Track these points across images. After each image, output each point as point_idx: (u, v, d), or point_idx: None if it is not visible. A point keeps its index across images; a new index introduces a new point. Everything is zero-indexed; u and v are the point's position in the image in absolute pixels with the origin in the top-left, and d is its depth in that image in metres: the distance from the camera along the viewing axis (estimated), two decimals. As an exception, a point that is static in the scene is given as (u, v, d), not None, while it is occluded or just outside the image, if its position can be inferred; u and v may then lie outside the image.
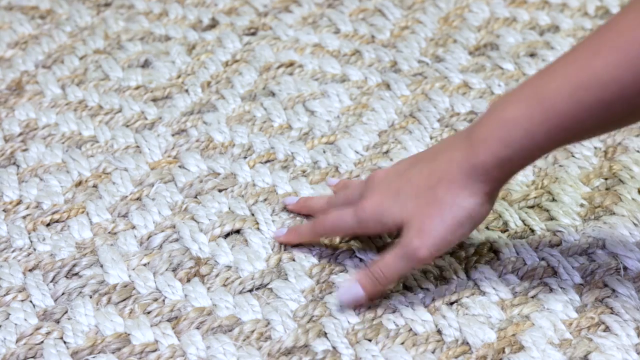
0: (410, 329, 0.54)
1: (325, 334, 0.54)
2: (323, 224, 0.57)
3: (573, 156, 0.66)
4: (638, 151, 0.65)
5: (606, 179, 0.63)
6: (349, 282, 0.54)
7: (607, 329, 0.53)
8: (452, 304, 0.55)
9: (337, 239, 0.59)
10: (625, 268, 0.57)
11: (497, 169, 0.49)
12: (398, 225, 0.52)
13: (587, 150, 0.66)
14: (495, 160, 0.49)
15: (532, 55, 0.75)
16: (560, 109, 0.46)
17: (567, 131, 0.47)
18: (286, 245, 0.59)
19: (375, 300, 0.54)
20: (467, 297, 0.55)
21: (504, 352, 0.52)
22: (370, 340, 0.53)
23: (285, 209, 0.62)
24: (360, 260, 0.58)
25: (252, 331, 0.54)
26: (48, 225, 0.62)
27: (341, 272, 0.58)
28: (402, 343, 0.53)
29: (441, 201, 0.50)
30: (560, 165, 0.65)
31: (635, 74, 0.44)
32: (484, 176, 0.49)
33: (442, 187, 0.50)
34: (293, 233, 0.59)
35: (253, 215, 0.62)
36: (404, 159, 0.57)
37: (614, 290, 0.55)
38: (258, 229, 0.61)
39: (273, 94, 0.72)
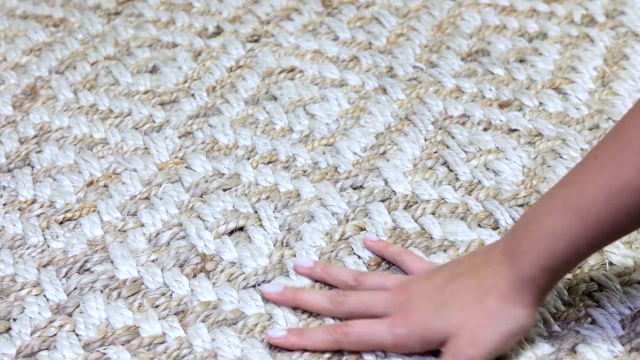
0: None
1: (325, 326, 0.53)
2: (347, 334, 0.51)
3: (561, 157, 0.66)
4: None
5: (592, 178, 0.63)
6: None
7: (593, 321, 0.53)
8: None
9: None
10: (610, 263, 0.57)
11: (544, 280, 0.49)
12: (442, 340, 0.49)
13: (573, 152, 0.66)
14: (542, 272, 0.48)
15: (521, 61, 0.75)
16: (598, 218, 0.47)
17: (606, 235, 0.48)
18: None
19: None
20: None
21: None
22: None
23: (296, 270, 0.56)
24: (359, 257, 0.58)
25: (256, 324, 0.54)
26: (61, 223, 0.62)
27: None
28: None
29: (493, 313, 0.49)
30: (549, 166, 0.65)
31: None
32: (531, 288, 0.49)
33: (492, 300, 0.49)
34: (301, 338, 0.52)
35: (256, 212, 0.62)
36: (435, 270, 0.53)
37: (599, 285, 0.55)
38: (261, 225, 0.61)
39: (275, 98, 0.72)
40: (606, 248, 0.57)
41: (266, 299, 0.55)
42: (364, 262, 0.58)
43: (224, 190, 0.64)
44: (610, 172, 0.46)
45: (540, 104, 0.70)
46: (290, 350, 0.51)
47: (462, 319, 0.49)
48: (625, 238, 0.58)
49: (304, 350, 0.51)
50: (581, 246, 0.48)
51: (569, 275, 0.56)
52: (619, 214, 0.46)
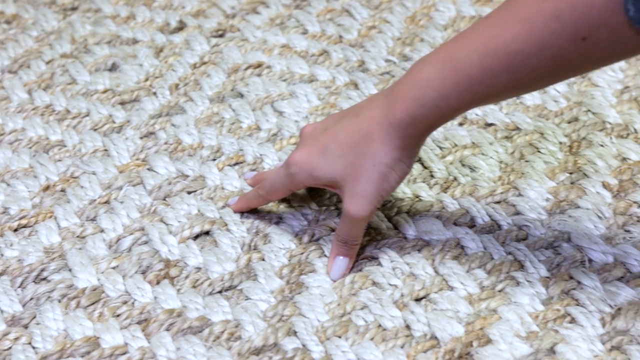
0: (380, 325, 0.54)
1: (295, 332, 0.54)
2: (263, 185, 0.60)
3: (539, 151, 0.66)
4: (602, 145, 0.66)
5: (571, 173, 0.64)
6: (333, 261, 0.57)
7: (573, 320, 0.54)
8: (420, 299, 0.55)
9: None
10: (590, 260, 0.57)
11: (413, 126, 0.52)
12: (330, 182, 0.56)
13: (552, 146, 0.67)
14: (411, 118, 0.51)
15: (497, 52, 0.76)
16: (470, 74, 0.49)
17: (476, 94, 0.50)
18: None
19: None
20: (436, 292, 0.56)
21: (471, 345, 0.52)
22: (340, 337, 0.53)
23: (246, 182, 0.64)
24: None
25: (222, 332, 0.54)
26: (15, 230, 0.62)
27: (311, 272, 0.58)
28: (372, 339, 0.53)
29: (365, 159, 0.53)
30: (526, 161, 0.66)
31: (539, 45, 0.46)
32: (400, 132, 0.52)
33: (364, 145, 0.53)
34: (242, 200, 0.62)
35: (222, 218, 0.62)
36: (333, 114, 0.61)
37: (579, 282, 0.56)
38: (227, 229, 0.61)
39: (241, 95, 0.72)
40: (585, 245, 0.58)
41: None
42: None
43: (189, 193, 0.64)
44: (491, 32, 0.48)
45: (518, 97, 0.71)
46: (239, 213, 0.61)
47: (343, 167, 0.54)
48: (605, 234, 0.59)
49: (247, 210, 0.61)
50: (451, 99, 0.50)
51: (547, 274, 0.57)
52: (490, 74, 0.48)
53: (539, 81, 0.49)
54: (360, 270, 0.58)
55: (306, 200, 0.63)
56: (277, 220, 0.61)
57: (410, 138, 0.53)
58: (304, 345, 0.53)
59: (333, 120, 0.57)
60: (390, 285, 0.56)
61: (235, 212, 0.62)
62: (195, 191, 0.64)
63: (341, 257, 0.57)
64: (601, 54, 0.45)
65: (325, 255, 0.59)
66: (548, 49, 0.46)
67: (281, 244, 0.60)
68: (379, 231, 0.60)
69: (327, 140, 0.55)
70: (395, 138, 0.52)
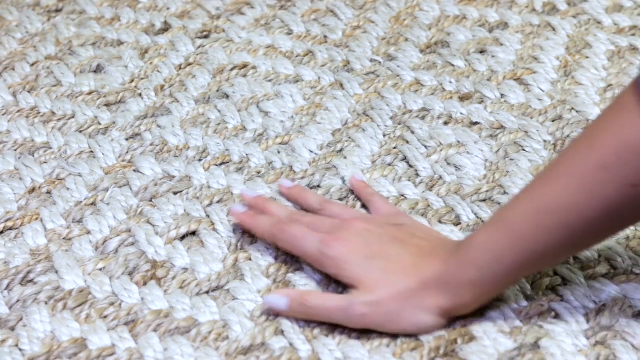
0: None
1: (282, 331, 0.54)
2: (285, 231, 0.56)
3: (524, 150, 0.67)
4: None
5: (555, 171, 0.65)
6: (283, 293, 0.54)
7: (557, 316, 0.55)
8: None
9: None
10: (575, 257, 0.58)
11: (468, 291, 0.51)
12: (352, 283, 0.53)
13: (536, 144, 0.68)
14: (467, 282, 0.51)
15: (482, 52, 0.77)
16: (524, 232, 0.49)
17: (532, 254, 0.50)
18: (243, 231, 0.59)
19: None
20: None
21: (456, 342, 0.53)
22: (326, 336, 0.54)
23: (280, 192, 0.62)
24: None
25: (210, 332, 0.55)
26: (1, 233, 0.62)
27: (297, 270, 0.58)
28: (358, 338, 0.54)
29: (404, 296, 0.51)
30: (511, 159, 0.67)
31: (589, 196, 0.47)
32: (452, 295, 0.51)
33: (413, 284, 0.51)
34: (251, 219, 0.59)
35: (208, 216, 0.62)
36: (391, 221, 0.57)
37: (563, 279, 0.57)
38: (214, 229, 0.61)
39: (227, 96, 0.73)
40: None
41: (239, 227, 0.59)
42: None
43: (175, 193, 0.64)
44: (542, 189, 0.49)
45: (502, 95, 0.72)
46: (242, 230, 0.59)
47: (381, 278, 0.52)
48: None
49: (250, 232, 0.59)
50: (507, 261, 0.50)
51: (532, 271, 0.58)
52: (545, 232, 0.48)
53: (595, 235, 0.49)
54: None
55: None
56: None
57: (460, 304, 0.51)
58: (291, 345, 0.54)
59: (390, 235, 0.54)
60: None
61: (236, 221, 0.59)
62: (181, 191, 0.64)
63: (286, 304, 0.53)
64: None
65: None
66: (599, 199, 0.46)
67: (268, 243, 0.60)
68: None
69: (377, 253, 0.53)
70: (442, 298, 0.51)
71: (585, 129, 0.49)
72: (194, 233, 0.61)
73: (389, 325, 0.52)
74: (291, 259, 0.59)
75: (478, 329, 0.54)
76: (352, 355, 0.53)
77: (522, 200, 0.50)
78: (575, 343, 0.53)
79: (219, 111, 0.71)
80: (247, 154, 0.67)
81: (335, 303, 0.53)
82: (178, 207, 0.63)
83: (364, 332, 0.54)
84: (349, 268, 0.53)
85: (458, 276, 0.51)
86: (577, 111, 0.70)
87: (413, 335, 0.53)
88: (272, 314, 0.55)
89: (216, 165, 0.67)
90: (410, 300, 0.52)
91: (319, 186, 0.65)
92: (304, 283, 0.57)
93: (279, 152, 0.67)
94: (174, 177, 0.66)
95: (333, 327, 0.54)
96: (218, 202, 0.63)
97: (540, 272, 0.57)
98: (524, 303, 0.55)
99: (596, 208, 0.47)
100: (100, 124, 0.70)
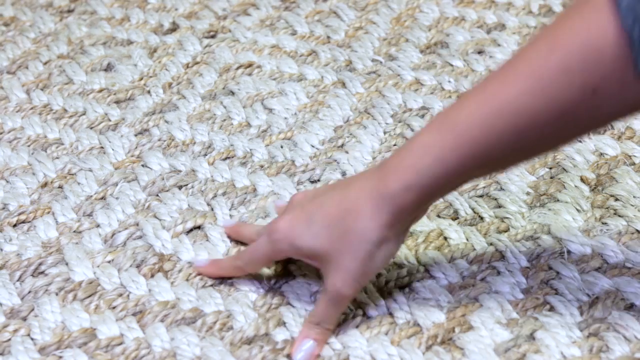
0: (364, 313, 0.54)
1: (284, 323, 0.54)
2: (242, 256, 0.54)
3: (519, 147, 0.67)
4: (580, 141, 0.67)
5: (550, 168, 0.64)
6: (300, 343, 0.51)
7: (552, 308, 0.54)
8: (403, 288, 0.55)
9: (272, 268, 0.56)
10: (569, 252, 0.58)
11: (406, 198, 0.46)
12: (313, 255, 0.50)
13: (532, 141, 0.67)
14: (404, 188, 0.46)
15: (480, 52, 0.76)
16: (472, 136, 0.44)
17: (478, 159, 0.44)
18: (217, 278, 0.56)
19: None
20: (418, 281, 0.56)
21: (453, 331, 0.52)
22: (327, 327, 0.53)
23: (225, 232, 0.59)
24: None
25: (215, 322, 0.54)
26: (15, 225, 0.61)
27: (298, 260, 0.57)
28: (357, 327, 0.53)
29: (350, 234, 0.48)
30: (508, 156, 0.66)
31: (547, 101, 0.42)
32: (391, 206, 0.46)
33: (350, 218, 0.48)
34: (214, 266, 0.56)
35: (212, 210, 0.62)
36: (325, 184, 0.55)
37: (558, 273, 0.56)
38: (217, 223, 0.61)
39: (232, 93, 0.72)
40: (564, 236, 0.59)
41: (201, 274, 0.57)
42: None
43: (180, 187, 0.64)
44: (494, 90, 0.43)
45: (499, 94, 0.71)
46: (211, 278, 0.56)
47: (328, 239, 0.48)
48: (583, 226, 0.60)
49: (221, 278, 0.56)
50: (451, 164, 0.44)
51: (527, 264, 0.57)
52: (493, 135, 0.43)
53: (546, 142, 0.44)
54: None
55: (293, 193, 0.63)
56: (265, 215, 0.61)
57: (402, 213, 0.46)
58: (292, 338, 0.53)
59: (323, 189, 0.51)
60: (376, 275, 0.57)
61: (202, 274, 0.56)
62: (186, 185, 0.64)
63: (310, 341, 0.50)
64: (611, 108, 0.42)
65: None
66: (556, 103, 0.41)
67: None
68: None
69: (313, 210, 0.49)
70: (385, 213, 0.46)
71: (546, 28, 0.43)
72: (199, 227, 0.61)
73: (364, 271, 0.49)
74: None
75: (476, 319, 0.53)
76: (351, 344, 0.52)
77: (472, 101, 0.44)
78: (569, 335, 0.52)
79: (225, 107, 0.71)
80: (250, 149, 0.67)
81: (328, 309, 0.51)
82: (183, 202, 0.63)
83: (362, 322, 0.53)
84: (299, 241, 0.49)
85: (389, 185, 0.46)
86: (572, 110, 0.70)
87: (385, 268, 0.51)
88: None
89: (221, 159, 0.66)
90: (356, 239, 0.47)
91: (318, 180, 0.64)
92: (302, 273, 0.57)
93: (281, 147, 0.67)
94: (180, 171, 0.65)
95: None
96: (222, 194, 0.63)
97: (535, 267, 0.56)
98: (520, 295, 0.55)
99: (552, 113, 0.42)
100: (110, 120, 0.70)
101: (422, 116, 0.69)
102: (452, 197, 0.62)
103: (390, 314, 0.54)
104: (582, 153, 0.65)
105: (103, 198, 0.63)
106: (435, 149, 0.45)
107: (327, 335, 0.52)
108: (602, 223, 0.60)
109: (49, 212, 0.62)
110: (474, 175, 0.47)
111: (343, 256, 0.48)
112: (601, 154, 0.65)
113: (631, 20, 0.39)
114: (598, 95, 0.41)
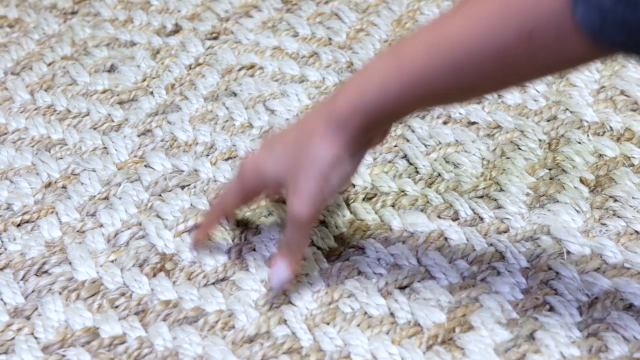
0: (365, 312, 0.54)
1: (285, 320, 0.54)
2: (214, 203, 0.56)
3: (519, 148, 0.67)
4: (579, 143, 0.67)
5: (550, 169, 0.65)
6: (276, 267, 0.53)
7: (551, 308, 0.54)
8: (404, 288, 0.56)
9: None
10: (568, 252, 0.58)
11: (354, 119, 0.48)
12: (276, 181, 0.51)
13: (532, 143, 0.67)
14: (351, 109, 0.47)
15: (480, 54, 0.76)
16: (414, 63, 0.45)
17: (419, 88, 0.46)
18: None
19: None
20: (418, 282, 0.56)
21: (454, 331, 0.52)
22: (327, 324, 0.53)
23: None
24: (318, 248, 0.59)
25: (217, 321, 0.54)
26: (18, 225, 0.62)
27: (299, 259, 0.58)
28: (358, 325, 0.53)
29: (306, 155, 0.49)
30: (507, 157, 0.66)
31: (483, 38, 0.42)
32: (342, 127, 0.48)
33: (305, 140, 0.49)
34: (201, 227, 0.57)
35: (216, 210, 0.62)
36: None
37: (557, 273, 0.56)
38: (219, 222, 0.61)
39: (235, 95, 0.72)
40: (564, 237, 0.59)
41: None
42: (323, 254, 0.58)
43: (183, 187, 0.64)
44: (438, 26, 0.45)
45: (499, 96, 0.71)
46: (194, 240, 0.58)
47: (287, 163, 0.50)
48: (583, 227, 0.60)
49: (207, 234, 0.57)
50: (392, 89, 0.46)
51: (527, 265, 0.57)
52: (434, 65, 0.44)
53: (486, 81, 0.45)
54: (347, 259, 0.58)
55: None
56: (267, 213, 0.62)
57: (352, 134, 0.48)
58: (293, 333, 0.53)
59: (288, 124, 0.54)
60: (375, 274, 0.57)
61: (196, 243, 0.57)
62: (189, 185, 0.64)
63: (279, 260, 0.52)
64: (548, 57, 0.42)
65: (314, 244, 0.59)
66: (492, 42, 0.42)
67: (271, 234, 0.60)
68: (365, 222, 0.60)
69: (275, 139, 0.52)
70: (336, 133, 0.48)
71: None
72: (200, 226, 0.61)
73: (320, 192, 0.49)
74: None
75: (476, 319, 0.53)
76: (352, 342, 0.52)
77: (419, 33, 0.46)
78: (569, 335, 0.52)
79: (227, 108, 0.71)
80: (252, 150, 0.67)
81: (293, 234, 0.52)
82: (185, 202, 0.63)
83: (364, 320, 0.53)
84: (263, 169, 0.51)
85: (338, 105, 0.48)
86: (571, 112, 0.70)
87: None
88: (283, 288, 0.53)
89: (223, 160, 0.66)
90: (310, 159, 0.49)
91: (322, 182, 0.64)
92: (305, 272, 0.57)
93: (284, 149, 0.67)
94: (182, 171, 0.65)
95: (334, 316, 0.54)
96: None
97: (535, 268, 0.56)
98: (520, 296, 0.55)
99: (488, 52, 0.42)
100: (113, 121, 0.70)
101: (423, 117, 0.70)
102: (453, 198, 0.62)
103: (391, 314, 0.54)
104: (581, 154, 0.65)
105: (106, 198, 0.63)
106: (380, 72, 0.46)
107: (296, 258, 0.52)
108: (601, 224, 0.60)
109: (52, 212, 0.62)
110: (419, 105, 0.48)
111: (299, 178, 0.49)
112: (600, 156, 0.65)
113: None
114: (534, 41, 0.41)
